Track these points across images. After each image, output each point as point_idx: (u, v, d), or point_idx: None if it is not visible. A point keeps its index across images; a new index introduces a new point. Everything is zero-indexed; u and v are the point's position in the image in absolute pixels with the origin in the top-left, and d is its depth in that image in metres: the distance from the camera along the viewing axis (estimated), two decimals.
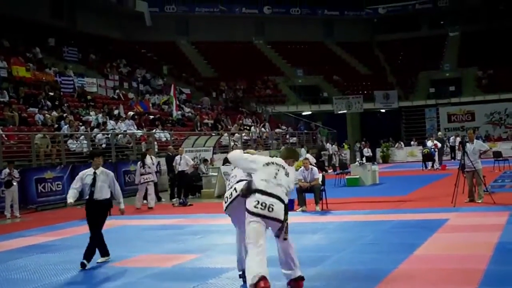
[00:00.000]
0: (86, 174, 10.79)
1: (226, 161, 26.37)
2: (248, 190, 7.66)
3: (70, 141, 25.55)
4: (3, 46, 35.79)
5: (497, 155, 29.20)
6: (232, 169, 8.86)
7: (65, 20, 50.15)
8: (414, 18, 65.87)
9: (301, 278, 8.13)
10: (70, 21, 50.47)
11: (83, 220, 17.39)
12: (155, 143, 28.64)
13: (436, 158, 33.20)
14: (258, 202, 7.56)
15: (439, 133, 41.74)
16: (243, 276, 8.46)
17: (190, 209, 19.10)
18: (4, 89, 29.07)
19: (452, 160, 37.22)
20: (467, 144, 16.44)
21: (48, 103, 29.50)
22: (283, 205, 7.70)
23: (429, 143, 33.99)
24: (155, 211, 19.38)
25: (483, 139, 39.13)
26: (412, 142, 46.41)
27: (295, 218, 15.27)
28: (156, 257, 10.76)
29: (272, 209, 7.56)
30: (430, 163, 32.88)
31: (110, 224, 15.86)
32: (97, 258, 10.75)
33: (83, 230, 15.41)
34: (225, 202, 8.22)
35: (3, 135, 22.92)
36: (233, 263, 9.96)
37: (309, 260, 9.80)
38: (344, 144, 46.39)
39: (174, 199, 21.57)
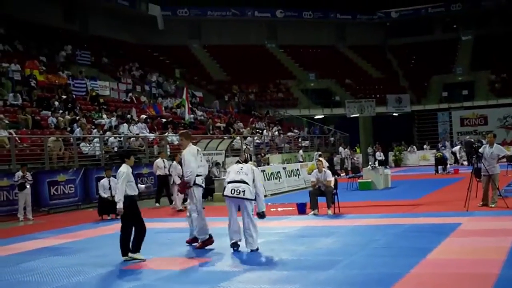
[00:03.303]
0: (129, 172, 10.97)
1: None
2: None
3: (82, 144, 25.62)
4: (16, 49, 35.95)
5: (511, 159, 29.03)
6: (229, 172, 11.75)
7: (78, 24, 50.35)
8: (426, 22, 65.66)
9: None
10: (82, 25, 50.69)
11: (96, 223, 17.63)
12: (168, 146, 28.67)
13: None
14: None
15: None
16: (233, 245, 11.25)
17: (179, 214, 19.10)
18: (17, 92, 29.20)
19: (455, 164, 36.80)
20: (486, 148, 16.34)
21: (60, 105, 29.59)
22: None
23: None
24: (168, 214, 19.41)
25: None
26: (425, 146, 46.27)
27: (307, 221, 15.33)
28: (168, 260, 10.77)
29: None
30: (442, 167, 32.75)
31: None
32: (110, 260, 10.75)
33: (96, 232, 15.55)
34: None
35: (17, 138, 23.02)
36: (245, 265, 10.01)
37: (321, 263, 9.80)
38: (356, 147, 46.31)
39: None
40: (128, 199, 10.78)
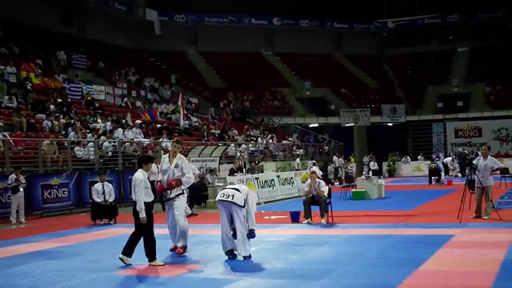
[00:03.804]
0: (146, 179, 10.86)
1: (232, 172, 26.51)
2: None
3: (77, 148, 25.58)
4: (13, 52, 35.92)
5: (504, 171, 29.10)
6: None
7: (75, 28, 50.37)
8: (423, 32, 65.89)
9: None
10: (79, 29, 50.73)
11: (89, 227, 17.60)
12: (162, 152, 28.65)
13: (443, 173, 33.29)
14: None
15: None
16: (227, 253, 11.24)
17: (195, 219, 19.08)
18: (13, 94, 29.17)
19: (446, 175, 36.77)
20: (480, 160, 16.39)
21: (55, 109, 29.57)
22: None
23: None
24: (160, 220, 19.38)
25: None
26: (419, 157, 46.38)
27: (300, 230, 15.32)
28: (160, 267, 10.72)
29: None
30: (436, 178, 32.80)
31: (115, 233, 15.94)
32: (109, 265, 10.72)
33: (89, 237, 15.52)
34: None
35: (11, 141, 22.98)
36: (238, 273, 10.00)
37: (315, 272, 9.79)
38: (350, 157, 46.35)
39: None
40: (145, 205, 10.69)
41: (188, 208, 20.07)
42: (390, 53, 65.79)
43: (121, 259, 10.85)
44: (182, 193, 11.86)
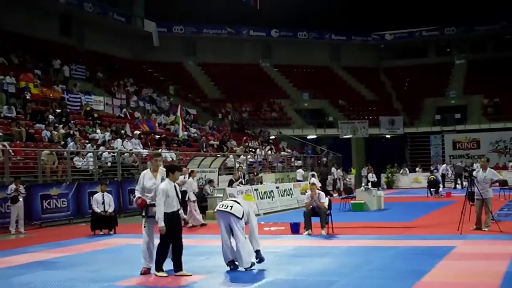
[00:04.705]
0: (168, 188, 10.66)
1: (231, 183, 26.48)
2: None
3: (76, 158, 25.57)
4: (12, 62, 35.94)
5: (503, 183, 29.10)
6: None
7: (74, 38, 50.47)
8: (421, 45, 66.18)
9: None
10: (78, 40, 50.81)
11: (89, 238, 17.55)
12: (161, 163, 28.60)
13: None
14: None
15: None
16: (229, 264, 11.19)
17: (195, 230, 19.08)
18: (12, 104, 29.17)
19: (444, 187, 36.71)
20: (479, 172, 16.40)
21: (55, 119, 29.57)
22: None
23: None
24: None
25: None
26: (417, 169, 46.41)
27: (301, 241, 15.30)
28: (161, 278, 10.66)
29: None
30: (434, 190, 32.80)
31: (115, 243, 15.91)
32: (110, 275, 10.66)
33: (88, 247, 15.48)
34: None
35: (10, 151, 22.93)
36: (239, 284, 9.96)
37: (316, 284, 9.79)
38: (351, 168, 46.34)
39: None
40: (167, 216, 10.58)
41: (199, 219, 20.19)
42: (388, 65, 66.04)
43: (178, 275, 10.67)
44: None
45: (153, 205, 10.83)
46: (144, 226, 11.21)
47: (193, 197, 20.46)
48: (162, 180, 10.96)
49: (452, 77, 61.88)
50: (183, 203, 19.97)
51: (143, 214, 11.20)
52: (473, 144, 50.99)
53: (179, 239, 10.76)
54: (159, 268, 10.76)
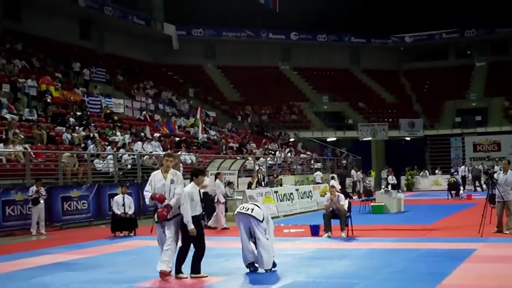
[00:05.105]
0: (193, 192, 10.71)
1: (250, 186, 26.49)
2: None
3: (96, 160, 25.71)
4: (33, 66, 36.20)
5: None
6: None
7: (94, 42, 50.82)
8: (441, 47, 65.82)
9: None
10: (98, 43, 51.15)
11: (109, 239, 17.63)
12: (181, 165, 28.69)
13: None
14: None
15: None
16: (249, 266, 11.22)
17: (214, 232, 19.10)
18: (33, 107, 29.38)
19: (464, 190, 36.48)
20: (500, 174, 16.27)
21: (75, 122, 29.74)
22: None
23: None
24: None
25: None
26: (436, 171, 46.16)
27: (321, 243, 15.26)
28: (180, 279, 10.67)
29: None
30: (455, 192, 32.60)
31: (135, 245, 15.96)
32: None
33: (109, 249, 15.54)
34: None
35: (31, 153, 23.10)
36: (259, 286, 9.96)
37: (336, 286, 9.78)
38: (371, 171, 46.19)
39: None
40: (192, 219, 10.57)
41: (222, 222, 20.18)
42: (408, 68, 65.75)
43: (193, 277, 10.66)
44: (179, 215, 10.81)
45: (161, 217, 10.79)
46: (162, 230, 10.96)
47: (222, 199, 20.51)
48: (172, 182, 10.86)
49: (473, 79, 61.48)
50: (212, 205, 20.20)
51: (156, 220, 11.03)
52: (494, 146, 50.56)
53: (202, 242, 10.75)
54: (179, 270, 10.75)
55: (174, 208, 10.72)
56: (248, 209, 11.22)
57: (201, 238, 10.74)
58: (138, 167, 26.52)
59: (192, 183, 10.88)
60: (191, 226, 10.48)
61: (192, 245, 10.75)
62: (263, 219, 11.17)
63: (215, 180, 21.01)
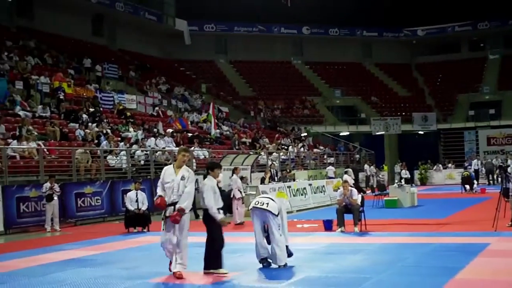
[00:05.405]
0: (214, 185, 10.69)
1: (263, 181, 26.48)
2: None
3: (109, 156, 25.79)
4: (46, 62, 36.33)
5: None
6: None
7: (106, 38, 50.96)
8: (453, 40, 65.49)
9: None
10: (110, 39, 51.29)
11: (123, 235, 17.70)
12: (194, 160, 28.74)
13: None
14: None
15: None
16: (262, 261, 11.25)
17: (227, 227, 19.04)
18: (46, 104, 29.51)
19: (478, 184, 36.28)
20: None
21: (88, 118, 29.84)
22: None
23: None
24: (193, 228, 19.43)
25: None
26: (449, 165, 45.98)
27: (334, 238, 15.25)
28: (195, 275, 10.65)
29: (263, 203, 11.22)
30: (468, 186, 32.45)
31: (148, 241, 16.01)
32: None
33: (122, 245, 15.60)
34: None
35: (45, 150, 23.20)
36: (273, 281, 9.96)
37: (349, 281, 9.75)
38: (383, 165, 46.09)
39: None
40: (206, 211, 10.58)
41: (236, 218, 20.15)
42: (420, 61, 65.56)
43: (213, 272, 10.54)
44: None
45: (172, 204, 10.41)
46: (163, 229, 10.59)
47: (238, 195, 20.50)
48: (182, 178, 10.44)
49: (486, 72, 61.09)
50: (227, 200, 20.13)
51: (163, 215, 10.58)
52: (508, 140, 50.25)
53: (221, 237, 10.68)
54: (219, 264, 10.66)
55: (187, 209, 10.47)
56: (263, 203, 11.18)
57: (220, 232, 10.66)
58: (151, 163, 26.60)
59: (209, 176, 10.81)
60: (219, 216, 10.51)
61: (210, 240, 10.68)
62: (278, 213, 11.18)
63: (232, 175, 21.00)
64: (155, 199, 10.83)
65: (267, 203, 11.17)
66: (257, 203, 11.31)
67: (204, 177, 11.04)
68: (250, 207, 11.57)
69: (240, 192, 20.85)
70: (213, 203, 10.47)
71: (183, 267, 10.49)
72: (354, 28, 65.34)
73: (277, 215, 11.15)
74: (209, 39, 60.80)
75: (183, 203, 10.36)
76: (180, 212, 10.30)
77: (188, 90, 47.95)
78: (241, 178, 24.57)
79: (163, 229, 10.56)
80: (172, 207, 10.37)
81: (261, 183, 25.81)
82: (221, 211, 10.76)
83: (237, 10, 58.49)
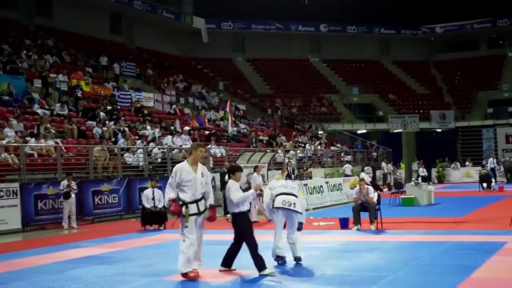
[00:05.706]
0: (238, 187, 10.69)
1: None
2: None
3: (126, 154, 25.88)
4: (64, 61, 36.53)
5: None
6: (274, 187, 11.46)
7: (124, 36, 51.15)
8: (472, 37, 65.05)
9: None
10: (128, 37, 51.48)
11: (139, 233, 17.76)
12: (211, 158, 28.78)
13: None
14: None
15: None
16: (277, 259, 11.24)
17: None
18: (64, 102, 29.69)
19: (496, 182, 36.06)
20: None
21: (106, 116, 29.97)
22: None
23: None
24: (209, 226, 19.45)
25: None
26: (467, 163, 45.75)
27: (350, 236, 15.23)
28: (210, 272, 10.64)
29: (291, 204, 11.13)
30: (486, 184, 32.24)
31: (164, 238, 16.06)
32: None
33: (139, 242, 15.66)
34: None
35: (63, 148, 23.33)
36: (288, 278, 9.95)
37: (365, 279, 9.73)
38: (400, 163, 45.95)
39: (228, 215, 21.51)
40: (235, 216, 10.53)
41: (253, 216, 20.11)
42: (439, 59, 65.25)
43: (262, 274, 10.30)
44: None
45: (195, 201, 10.15)
46: (186, 227, 10.09)
47: None
48: (202, 175, 10.25)
49: (505, 69, 60.63)
50: None
51: (184, 213, 10.12)
52: None
53: (252, 237, 10.49)
54: (229, 264, 10.71)
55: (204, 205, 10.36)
56: (291, 204, 11.09)
57: (250, 233, 10.51)
58: (168, 160, 26.66)
59: (231, 180, 10.69)
60: (251, 192, 10.65)
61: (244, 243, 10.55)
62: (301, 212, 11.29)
63: (253, 173, 20.95)
64: (167, 204, 10.45)
65: (294, 203, 11.11)
66: (284, 203, 11.14)
67: (221, 175, 11.09)
68: (275, 206, 11.21)
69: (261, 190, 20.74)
70: (243, 196, 10.43)
71: (198, 263, 10.46)
72: (371, 25, 65.14)
73: (301, 213, 11.25)
74: (226, 37, 60.88)
75: (211, 200, 10.45)
76: (215, 209, 10.52)
77: (206, 88, 48.06)
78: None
79: (186, 227, 10.10)
80: (195, 204, 10.15)
81: None
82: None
83: (254, 8, 58.53)
